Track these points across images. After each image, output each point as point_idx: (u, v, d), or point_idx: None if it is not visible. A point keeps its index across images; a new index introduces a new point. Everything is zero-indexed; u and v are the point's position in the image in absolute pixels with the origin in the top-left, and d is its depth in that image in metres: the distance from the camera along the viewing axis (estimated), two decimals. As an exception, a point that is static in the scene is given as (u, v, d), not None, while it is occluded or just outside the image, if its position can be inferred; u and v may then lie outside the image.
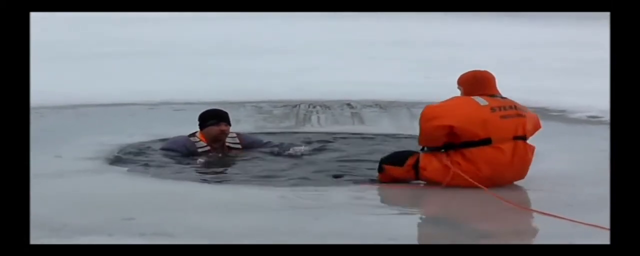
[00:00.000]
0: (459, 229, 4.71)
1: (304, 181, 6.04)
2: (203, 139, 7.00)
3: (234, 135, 7.14)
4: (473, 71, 5.72)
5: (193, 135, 7.08)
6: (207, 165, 6.65)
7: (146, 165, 6.60)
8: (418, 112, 10.77)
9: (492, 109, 5.49)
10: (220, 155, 6.94)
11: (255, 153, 7.03)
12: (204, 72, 13.27)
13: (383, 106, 10.60)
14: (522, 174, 5.68)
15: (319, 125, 9.02)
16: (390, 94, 11.07)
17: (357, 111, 10.05)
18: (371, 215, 4.98)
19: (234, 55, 15.71)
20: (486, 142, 5.43)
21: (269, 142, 7.29)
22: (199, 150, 6.97)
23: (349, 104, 10.46)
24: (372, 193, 5.59)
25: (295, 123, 9.04)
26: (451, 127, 5.41)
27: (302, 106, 10.23)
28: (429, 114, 5.54)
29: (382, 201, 5.54)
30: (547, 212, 4.86)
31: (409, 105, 10.78)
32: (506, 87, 11.73)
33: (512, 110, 5.59)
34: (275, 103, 10.36)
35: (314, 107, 10.24)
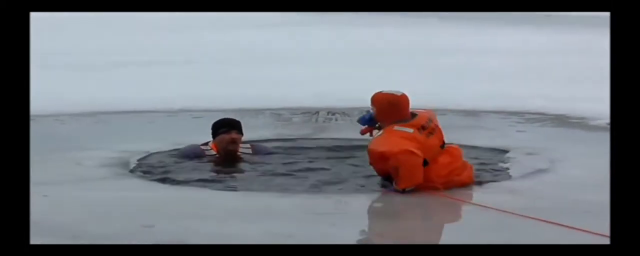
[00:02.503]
0: (478, 237, 4.67)
1: (321, 188, 6.03)
2: (214, 148, 6.99)
3: (248, 146, 7.12)
4: (387, 95, 5.73)
5: (207, 143, 7.08)
6: (219, 172, 6.65)
7: (165, 172, 6.60)
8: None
9: (419, 130, 5.64)
10: (226, 161, 6.91)
11: (267, 158, 7.02)
12: (223, 80, 13.28)
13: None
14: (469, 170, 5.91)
15: (338, 132, 9.00)
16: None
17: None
18: (390, 223, 4.96)
19: (253, 63, 15.73)
20: (424, 163, 5.57)
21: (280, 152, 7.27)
22: (207, 156, 6.96)
23: (368, 111, 10.43)
24: (391, 200, 5.57)
25: (314, 131, 9.02)
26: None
27: (321, 113, 10.21)
28: (377, 153, 5.57)
29: (403, 209, 5.51)
30: (548, 220, 4.80)
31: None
32: (523, 94, 11.71)
33: (431, 123, 5.77)
34: (294, 111, 10.35)
35: (333, 114, 10.21)
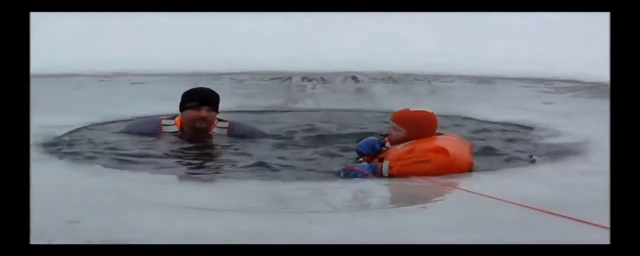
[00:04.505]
0: (483, 234, 4.71)
1: (299, 174, 6.06)
2: (179, 123, 6.97)
3: (226, 124, 7.12)
4: (421, 112, 6.29)
5: (173, 117, 7.06)
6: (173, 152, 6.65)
7: (96, 153, 6.59)
8: (443, 86, 10.83)
9: (462, 141, 6.31)
10: (190, 141, 6.92)
11: (243, 139, 7.03)
12: (169, 34, 13.21)
13: (397, 79, 10.60)
14: None
15: (315, 102, 9.03)
16: (406, 65, 11.04)
17: (364, 86, 10.04)
18: (378, 218, 4.98)
19: (208, 13, 15.65)
20: None
21: (269, 135, 7.27)
22: (164, 133, 6.95)
23: (354, 77, 10.45)
24: (380, 189, 5.61)
25: (285, 101, 9.03)
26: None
27: (294, 79, 10.22)
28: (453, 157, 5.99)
29: (393, 199, 5.54)
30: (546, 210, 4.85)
31: (430, 79, 10.78)
32: (552, 57, 11.71)
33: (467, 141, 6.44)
34: (260, 76, 10.35)
35: (309, 80, 10.23)
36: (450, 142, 6.09)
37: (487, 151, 6.78)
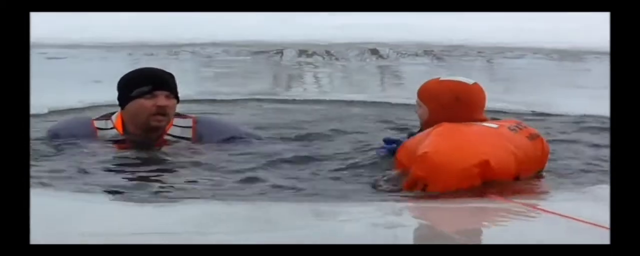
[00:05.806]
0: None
1: (298, 192, 5.91)
2: (120, 125, 6.87)
3: (188, 121, 7.04)
4: (453, 84, 6.27)
5: (108, 116, 6.90)
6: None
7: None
8: (507, 63, 10.69)
9: (510, 128, 6.15)
10: (139, 149, 6.76)
11: (218, 148, 6.94)
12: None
13: (437, 54, 10.57)
14: None
15: (318, 88, 8.94)
16: (451, 33, 10.96)
17: (390, 63, 9.93)
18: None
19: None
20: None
21: (249, 135, 7.22)
22: (100, 140, 6.81)
23: (374, 50, 10.37)
24: (412, 213, 5.55)
25: (275, 85, 8.96)
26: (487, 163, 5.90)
27: (287, 53, 10.14)
28: (442, 157, 5.89)
29: (430, 230, 5.41)
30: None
31: (488, 53, 10.70)
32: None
33: (522, 127, 6.27)
34: (238, 48, 10.26)
35: (310, 54, 10.14)
36: (474, 135, 6.00)
37: (573, 163, 6.63)
